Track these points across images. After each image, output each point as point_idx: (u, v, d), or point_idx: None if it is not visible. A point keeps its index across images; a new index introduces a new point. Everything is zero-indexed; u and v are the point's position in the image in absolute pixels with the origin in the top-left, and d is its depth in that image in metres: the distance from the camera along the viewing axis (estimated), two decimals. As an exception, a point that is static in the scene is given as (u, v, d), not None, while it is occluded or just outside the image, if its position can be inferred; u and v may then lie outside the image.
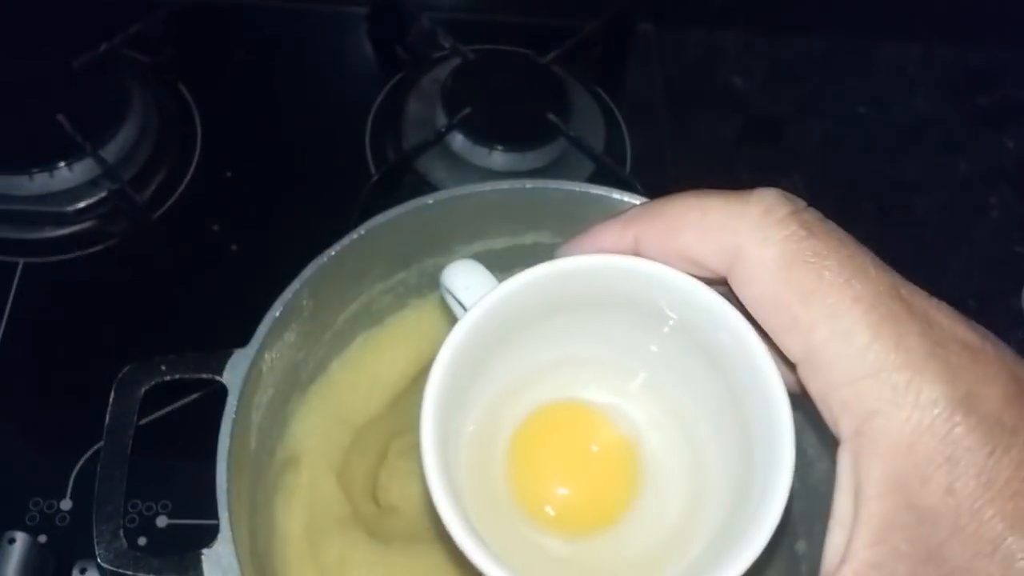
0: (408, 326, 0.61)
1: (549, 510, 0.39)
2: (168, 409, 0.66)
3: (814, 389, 0.31)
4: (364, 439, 0.58)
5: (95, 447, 0.65)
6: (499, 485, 0.39)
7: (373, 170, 0.79)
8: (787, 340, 0.31)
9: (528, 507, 0.38)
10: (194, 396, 0.66)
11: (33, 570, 0.59)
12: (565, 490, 0.39)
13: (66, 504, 0.64)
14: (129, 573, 0.43)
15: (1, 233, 0.72)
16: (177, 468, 0.63)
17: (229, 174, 0.77)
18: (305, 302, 0.52)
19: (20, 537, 0.59)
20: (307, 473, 0.55)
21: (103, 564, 0.44)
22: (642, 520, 0.39)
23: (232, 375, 0.48)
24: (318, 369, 0.57)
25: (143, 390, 0.47)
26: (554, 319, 0.39)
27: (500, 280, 0.38)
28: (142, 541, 0.61)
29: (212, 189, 0.76)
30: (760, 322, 0.32)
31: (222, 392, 0.47)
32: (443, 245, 0.58)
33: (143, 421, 0.65)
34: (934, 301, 0.31)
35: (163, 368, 0.48)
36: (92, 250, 0.72)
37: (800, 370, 0.31)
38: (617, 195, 0.55)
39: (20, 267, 0.72)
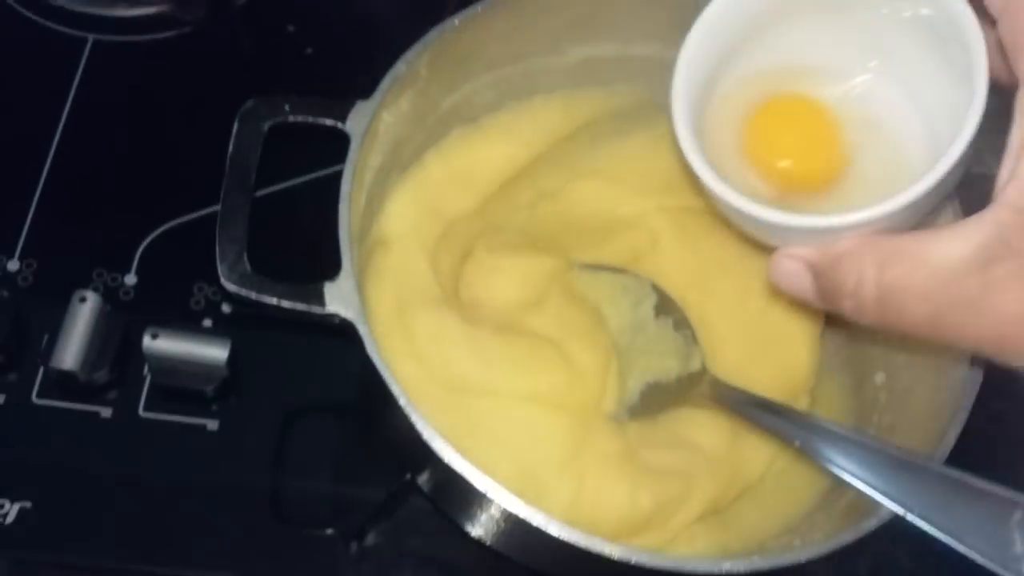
0: (501, 128, 0.60)
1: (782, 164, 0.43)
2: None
3: (1006, 38, 0.34)
4: (453, 233, 0.57)
5: (163, 227, 0.64)
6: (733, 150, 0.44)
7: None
8: None
9: (759, 162, 0.44)
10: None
11: (102, 332, 0.58)
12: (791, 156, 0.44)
13: (131, 279, 0.63)
14: (252, 295, 0.43)
15: (73, 5, 0.69)
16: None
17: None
18: (423, 70, 0.51)
19: (91, 297, 0.57)
20: (399, 254, 0.54)
21: (226, 284, 0.43)
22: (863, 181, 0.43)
23: (355, 124, 0.47)
24: (415, 155, 0.56)
25: (266, 126, 0.46)
26: (792, 19, 0.43)
27: None
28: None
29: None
30: None
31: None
32: (553, 44, 0.57)
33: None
34: None
35: (287, 108, 0.46)
36: (165, 35, 0.70)
37: (999, 26, 0.35)
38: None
39: (90, 43, 0.69)
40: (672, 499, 0.53)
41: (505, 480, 0.50)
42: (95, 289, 0.61)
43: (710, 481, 0.54)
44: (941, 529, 0.41)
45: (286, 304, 0.43)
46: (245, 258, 0.43)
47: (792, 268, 0.42)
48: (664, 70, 0.60)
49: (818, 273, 0.40)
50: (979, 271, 0.35)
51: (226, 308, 0.62)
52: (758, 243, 0.61)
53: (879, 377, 0.56)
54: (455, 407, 0.51)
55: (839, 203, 0.42)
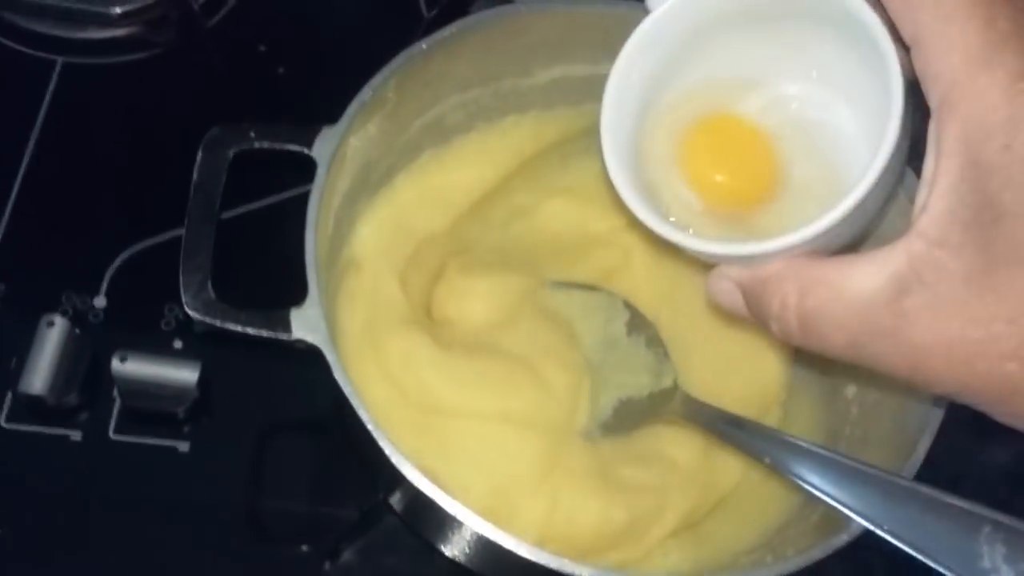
0: (473, 148, 0.60)
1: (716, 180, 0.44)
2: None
3: (918, 68, 0.35)
4: (424, 254, 0.57)
5: (131, 249, 0.64)
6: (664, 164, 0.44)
7: (424, 11, 0.77)
8: (902, 23, 0.35)
9: (695, 179, 0.44)
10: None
11: (71, 355, 0.57)
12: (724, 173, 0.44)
13: (100, 301, 0.62)
14: (217, 323, 0.43)
15: (42, 28, 0.69)
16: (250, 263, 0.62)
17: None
18: (390, 93, 0.51)
19: (59, 321, 0.57)
20: (369, 276, 0.54)
21: (191, 312, 0.43)
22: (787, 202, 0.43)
23: (322, 149, 0.47)
24: (385, 177, 0.56)
25: (231, 153, 0.46)
26: (724, 35, 0.43)
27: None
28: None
29: (262, 11, 0.73)
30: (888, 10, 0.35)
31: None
32: (523, 65, 0.57)
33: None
34: None
35: (252, 134, 0.46)
36: (135, 56, 0.70)
37: (912, 54, 0.35)
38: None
39: (59, 65, 0.69)
40: (646, 514, 0.53)
41: (478, 499, 0.51)
42: (64, 312, 0.61)
43: (683, 495, 0.54)
44: (911, 544, 0.41)
45: (251, 331, 0.42)
46: (209, 286, 0.43)
47: (725, 287, 0.42)
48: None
49: (746, 294, 0.41)
50: (891, 301, 0.35)
51: (198, 328, 0.62)
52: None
53: (850, 390, 0.56)
54: (427, 428, 0.51)
55: (776, 218, 0.42)
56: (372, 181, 0.55)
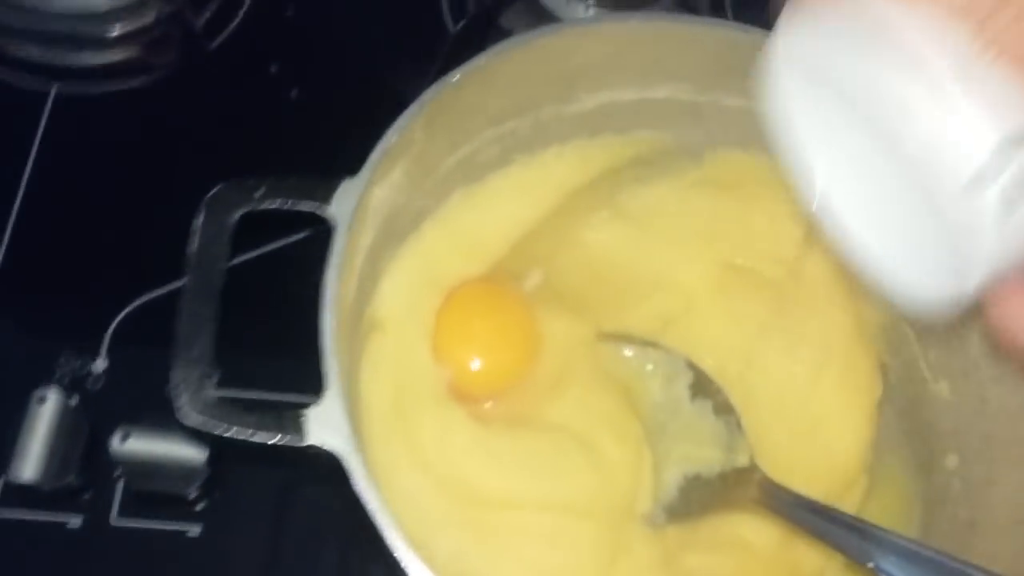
0: (509, 185, 0.53)
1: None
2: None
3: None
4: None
5: (135, 302, 0.57)
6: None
7: (449, 23, 0.70)
8: None
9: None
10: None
11: (66, 434, 0.51)
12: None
13: (100, 364, 0.56)
14: (220, 430, 0.36)
15: (32, 55, 0.63)
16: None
17: (290, 13, 0.67)
18: (418, 134, 0.44)
19: (52, 396, 0.51)
20: (395, 339, 0.48)
21: (186, 419, 0.36)
22: None
23: (340, 207, 0.40)
24: (411, 225, 0.49)
25: (238, 215, 0.39)
26: None
27: None
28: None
29: (271, 27, 0.67)
30: None
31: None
32: (565, 91, 0.50)
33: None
34: None
35: (260, 192, 0.40)
36: (134, 83, 0.63)
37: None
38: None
39: (53, 94, 0.62)
40: (718, 609, 0.46)
41: (530, 604, 0.44)
42: (59, 381, 0.54)
43: (760, 583, 0.47)
44: None
45: (259, 439, 0.36)
46: (209, 385, 0.37)
47: None
48: (688, 112, 0.55)
49: None
50: None
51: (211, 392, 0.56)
52: (807, 303, 0.54)
53: (951, 460, 0.49)
54: (468, 523, 0.45)
55: None
56: (398, 230, 0.48)
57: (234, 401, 0.36)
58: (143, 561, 0.52)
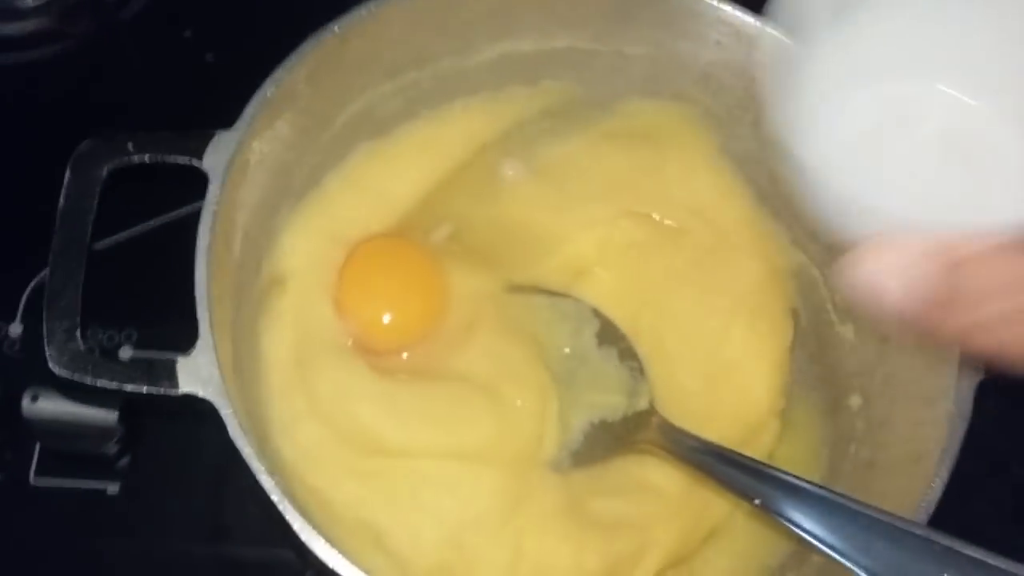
0: (417, 139, 0.52)
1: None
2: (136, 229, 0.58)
3: None
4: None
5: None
6: None
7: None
8: None
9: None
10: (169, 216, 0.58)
11: (-25, 399, 0.51)
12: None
13: (15, 329, 0.56)
14: (87, 379, 0.36)
15: (-58, 25, 0.62)
16: (146, 293, 0.56)
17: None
18: (301, 86, 0.44)
19: (-40, 361, 0.51)
20: (296, 295, 0.48)
21: (55, 369, 0.36)
22: None
23: (214, 159, 0.40)
24: (312, 179, 0.49)
25: (106, 169, 0.39)
26: None
27: None
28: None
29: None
30: None
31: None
32: (463, 41, 0.50)
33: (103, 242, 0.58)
34: None
35: (130, 146, 0.39)
36: (48, 50, 0.63)
37: None
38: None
39: (-39, 66, 0.62)
40: (626, 556, 0.46)
41: (429, 553, 0.44)
42: (-26, 345, 0.55)
43: (669, 529, 0.47)
44: None
45: (130, 388, 0.36)
46: (78, 335, 0.37)
47: (900, 271, 0.31)
48: (594, 61, 0.54)
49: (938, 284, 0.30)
50: None
51: (125, 353, 0.56)
52: (719, 251, 0.54)
53: (855, 400, 0.49)
54: (368, 472, 0.45)
55: None
56: (295, 186, 0.48)
57: (106, 353, 0.36)
58: (63, 520, 0.52)
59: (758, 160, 0.53)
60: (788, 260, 0.53)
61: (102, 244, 0.58)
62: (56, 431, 0.51)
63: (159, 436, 0.54)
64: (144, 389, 0.36)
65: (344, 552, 0.35)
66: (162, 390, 0.36)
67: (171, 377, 0.36)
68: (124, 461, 0.53)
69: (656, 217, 0.54)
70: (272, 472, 0.36)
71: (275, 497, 0.35)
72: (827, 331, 0.52)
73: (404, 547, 0.43)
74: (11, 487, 0.53)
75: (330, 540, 0.36)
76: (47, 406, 0.50)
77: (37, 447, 0.53)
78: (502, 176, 0.54)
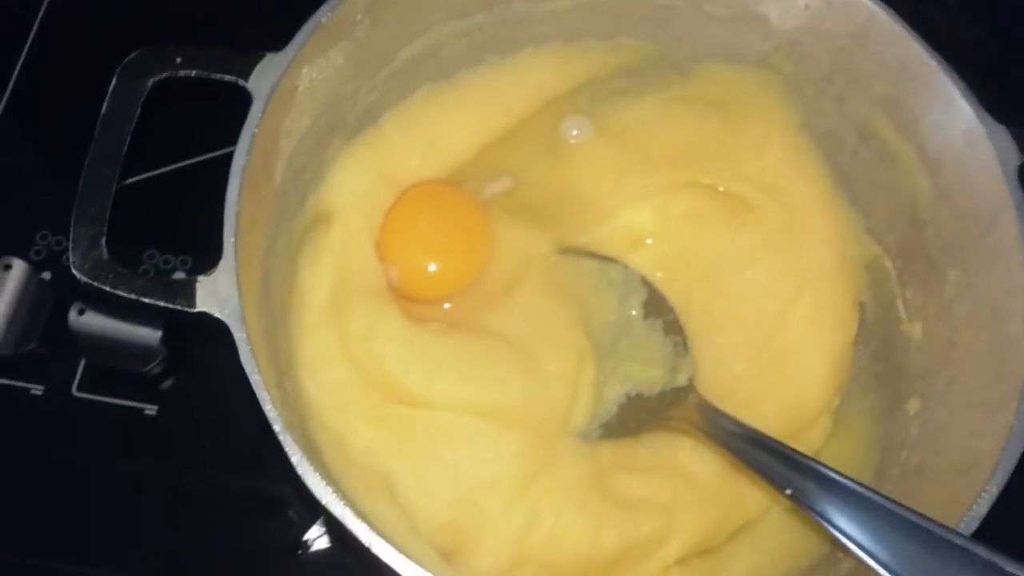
0: (478, 87, 0.51)
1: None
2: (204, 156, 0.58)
3: None
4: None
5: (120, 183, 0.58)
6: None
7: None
8: None
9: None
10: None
11: (29, 303, 0.52)
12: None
13: (75, 242, 0.57)
14: (107, 288, 0.36)
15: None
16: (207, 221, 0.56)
17: None
18: (360, 17, 0.42)
19: (17, 265, 0.52)
20: (340, 233, 0.47)
21: (77, 275, 0.36)
22: None
23: (260, 81, 0.39)
24: (368, 116, 0.48)
25: (151, 81, 0.39)
26: None
27: None
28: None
29: None
30: None
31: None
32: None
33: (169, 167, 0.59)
34: None
35: (178, 60, 0.39)
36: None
37: None
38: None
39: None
40: (646, 538, 0.44)
41: (440, 511, 0.43)
42: (37, 254, 0.55)
43: (697, 517, 0.45)
44: None
45: (146, 300, 0.35)
46: (103, 243, 0.36)
47: None
48: (673, 18, 0.51)
49: None
50: None
51: (179, 275, 0.56)
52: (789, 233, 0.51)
53: (913, 404, 0.46)
54: (388, 419, 0.44)
55: None
56: (348, 121, 0.47)
57: (132, 266, 0.36)
58: (100, 433, 0.53)
59: (840, 139, 0.50)
60: (861, 250, 0.50)
61: (168, 167, 0.59)
62: (100, 346, 0.52)
63: (203, 365, 0.54)
64: (161, 303, 0.36)
65: (342, 494, 0.34)
66: (179, 306, 0.35)
67: (189, 295, 0.36)
68: (166, 385, 0.54)
69: (723, 190, 0.51)
70: (282, 404, 0.35)
71: (277, 427, 0.34)
72: (894, 329, 0.48)
73: (415, 501, 0.42)
74: (53, 398, 0.54)
75: (335, 483, 0.35)
76: (93, 321, 0.51)
77: (82, 363, 0.54)
78: (566, 134, 0.52)
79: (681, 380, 0.46)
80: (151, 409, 0.53)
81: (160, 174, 0.59)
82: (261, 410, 0.36)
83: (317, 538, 0.50)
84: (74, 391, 0.54)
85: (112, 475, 0.52)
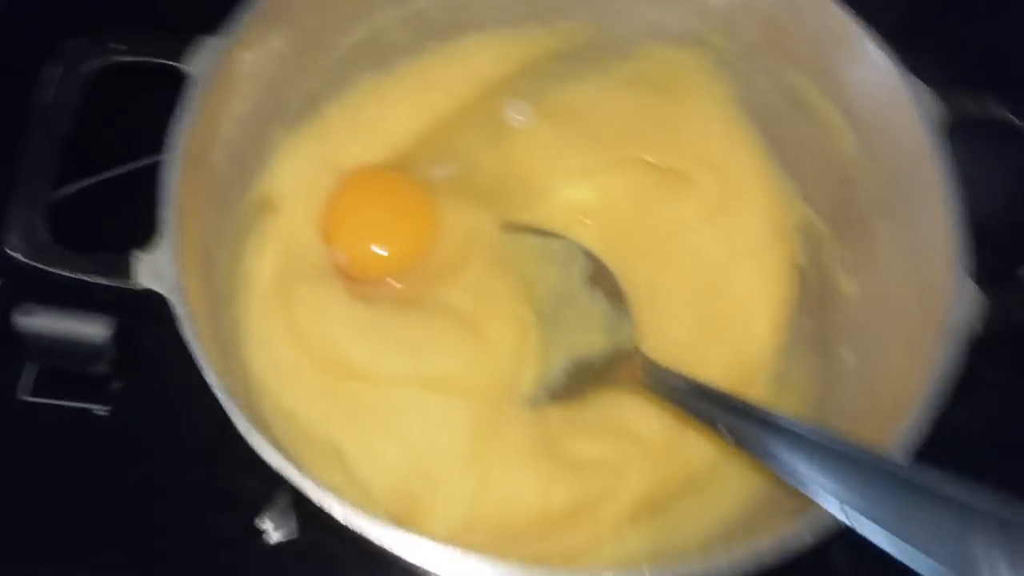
0: (420, 74, 0.52)
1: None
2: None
3: None
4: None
5: (68, 187, 0.58)
6: None
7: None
8: None
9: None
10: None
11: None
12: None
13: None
14: (45, 267, 0.36)
15: None
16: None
17: None
18: (297, 2, 0.43)
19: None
20: (285, 219, 0.48)
21: (14, 254, 0.36)
22: None
23: (199, 64, 0.40)
24: (310, 103, 0.49)
25: (87, 67, 0.39)
26: None
27: None
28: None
29: None
30: None
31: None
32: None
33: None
34: None
35: (114, 46, 0.39)
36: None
37: None
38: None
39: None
40: (595, 495, 0.45)
41: (393, 480, 0.44)
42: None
43: (644, 472, 0.46)
44: (893, 539, 0.33)
45: (86, 278, 0.36)
46: (41, 226, 0.37)
47: None
48: (616, 1, 0.53)
49: None
50: None
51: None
52: (727, 203, 0.52)
53: (851, 359, 0.47)
54: (337, 394, 0.45)
55: None
56: (291, 108, 0.48)
57: (71, 246, 0.36)
58: (49, 437, 0.52)
59: (774, 110, 0.51)
60: (797, 215, 0.51)
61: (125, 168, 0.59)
62: (49, 347, 0.52)
63: (154, 362, 0.54)
64: (102, 281, 0.36)
65: (281, 449, 0.34)
66: (118, 282, 0.36)
67: (129, 272, 0.36)
68: (117, 385, 0.54)
69: (662, 165, 0.52)
70: (227, 377, 0.36)
71: (221, 396, 0.34)
72: (832, 289, 0.49)
73: (367, 471, 0.43)
74: (1, 401, 0.53)
75: (284, 452, 0.35)
76: (41, 322, 0.51)
77: (27, 366, 0.54)
78: (509, 118, 0.53)
79: (624, 342, 0.46)
80: (102, 410, 0.53)
81: (117, 175, 0.58)
82: (216, 404, 0.36)
83: (275, 529, 0.51)
84: (21, 395, 0.53)
85: (64, 477, 0.52)
